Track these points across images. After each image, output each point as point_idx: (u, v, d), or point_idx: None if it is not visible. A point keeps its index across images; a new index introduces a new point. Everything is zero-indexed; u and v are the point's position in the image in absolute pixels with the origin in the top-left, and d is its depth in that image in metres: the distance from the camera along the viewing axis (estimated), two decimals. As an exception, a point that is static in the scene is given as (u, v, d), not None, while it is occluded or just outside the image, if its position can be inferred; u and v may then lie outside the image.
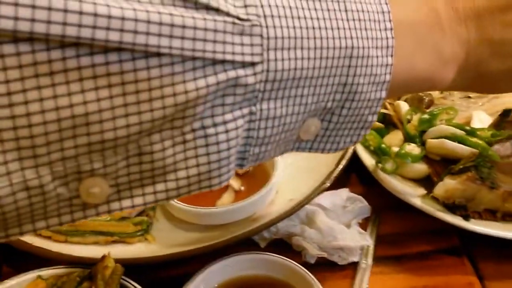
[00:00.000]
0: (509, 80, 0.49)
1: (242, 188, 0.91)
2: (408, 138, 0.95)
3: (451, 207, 0.84)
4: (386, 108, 1.06)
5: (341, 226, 0.85)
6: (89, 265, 0.75)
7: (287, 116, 0.39)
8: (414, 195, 0.87)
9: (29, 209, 0.33)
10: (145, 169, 0.36)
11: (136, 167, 0.35)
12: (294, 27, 0.36)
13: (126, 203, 0.36)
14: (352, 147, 0.94)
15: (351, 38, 0.39)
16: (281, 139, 0.41)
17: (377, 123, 1.05)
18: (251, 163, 0.41)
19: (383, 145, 0.95)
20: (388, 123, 1.06)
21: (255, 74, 0.35)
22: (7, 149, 0.29)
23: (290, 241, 0.86)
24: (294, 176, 0.95)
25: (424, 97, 1.04)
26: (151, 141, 0.34)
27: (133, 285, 0.73)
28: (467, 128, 0.94)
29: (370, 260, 0.84)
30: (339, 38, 0.38)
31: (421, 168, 0.90)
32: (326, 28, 0.38)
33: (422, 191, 0.87)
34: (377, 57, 0.41)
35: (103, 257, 0.74)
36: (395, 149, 0.92)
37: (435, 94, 1.09)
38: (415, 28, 0.44)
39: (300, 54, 0.36)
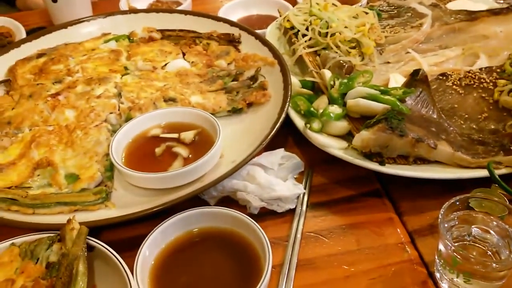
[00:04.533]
0: None
1: (190, 156, 1.02)
2: (332, 101, 1.09)
3: (368, 155, 0.98)
4: (314, 77, 1.19)
5: (278, 180, 0.98)
6: (57, 231, 0.85)
7: None
8: (337, 148, 1.01)
9: None
10: None
11: None
12: None
13: None
14: (285, 112, 1.07)
15: None
16: None
17: (307, 90, 1.18)
18: None
19: (311, 109, 1.09)
20: (317, 90, 1.19)
21: None
22: None
23: (235, 197, 0.98)
24: (236, 141, 1.07)
25: (344, 63, 1.18)
26: None
27: (97, 243, 0.83)
28: (382, 88, 1.08)
29: (304, 207, 0.98)
30: None
31: (343, 125, 1.04)
32: None
33: (344, 144, 1.01)
34: None
35: (69, 220, 0.83)
36: (321, 111, 1.06)
37: (356, 61, 1.23)
38: None
39: None
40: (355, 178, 1.03)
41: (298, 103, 1.11)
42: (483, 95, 1.16)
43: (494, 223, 0.83)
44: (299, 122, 1.08)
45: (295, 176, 1.03)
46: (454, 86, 1.18)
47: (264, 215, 0.97)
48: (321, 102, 1.11)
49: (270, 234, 0.84)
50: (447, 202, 0.82)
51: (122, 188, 1.00)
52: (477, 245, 0.84)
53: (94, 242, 0.83)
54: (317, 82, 1.18)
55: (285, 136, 1.13)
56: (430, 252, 0.88)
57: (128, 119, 1.10)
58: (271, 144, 1.03)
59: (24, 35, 1.50)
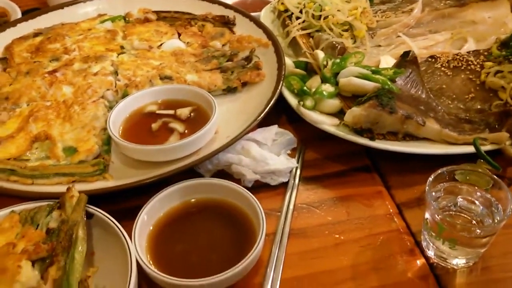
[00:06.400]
0: None
1: (186, 131, 1.04)
2: (325, 80, 1.12)
3: (359, 131, 1.01)
4: (307, 57, 1.22)
5: (272, 154, 1.01)
6: (56, 199, 0.87)
7: None
8: (329, 124, 1.04)
9: None
10: None
11: None
12: None
13: None
14: (279, 90, 1.10)
15: None
16: None
17: (301, 70, 1.21)
18: None
19: (304, 88, 1.11)
20: (310, 71, 1.22)
21: None
22: None
23: (230, 171, 1.01)
24: (231, 119, 1.10)
25: (337, 45, 1.21)
26: None
27: (96, 210, 0.85)
28: (373, 68, 1.11)
29: (297, 180, 1.01)
30: None
31: (335, 103, 1.07)
32: None
33: (336, 121, 1.05)
34: None
35: (69, 188, 0.86)
36: (314, 89, 1.09)
37: (348, 43, 1.26)
38: None
39: None
40: (346, 154, 1.06)
41: (291, 82, 1.14)
42: (470, 76, 1.19)
43: (479, 193, 0.87)
44: (292, 100, 1.11)
45: (288, 152, 1.07)
46: (442, 68, 1.22)
47: (258, 187, 0.99)
48: (314, 82, 1.14)
49: (264, 205, 0.87)
50: (434, 173, 0.85)
51: (120, 161, 1.02)
52: (462, 214, 0.88)
53: (93, 209, 0.86)
54: (310, 63, 1.21)
55: (279, 114, 1.16)
56: (417, 223, 0.91)
57: (125, 95, 1.12)
58: (265, 122, 1.06)
59: (19, 16, 1.51)
